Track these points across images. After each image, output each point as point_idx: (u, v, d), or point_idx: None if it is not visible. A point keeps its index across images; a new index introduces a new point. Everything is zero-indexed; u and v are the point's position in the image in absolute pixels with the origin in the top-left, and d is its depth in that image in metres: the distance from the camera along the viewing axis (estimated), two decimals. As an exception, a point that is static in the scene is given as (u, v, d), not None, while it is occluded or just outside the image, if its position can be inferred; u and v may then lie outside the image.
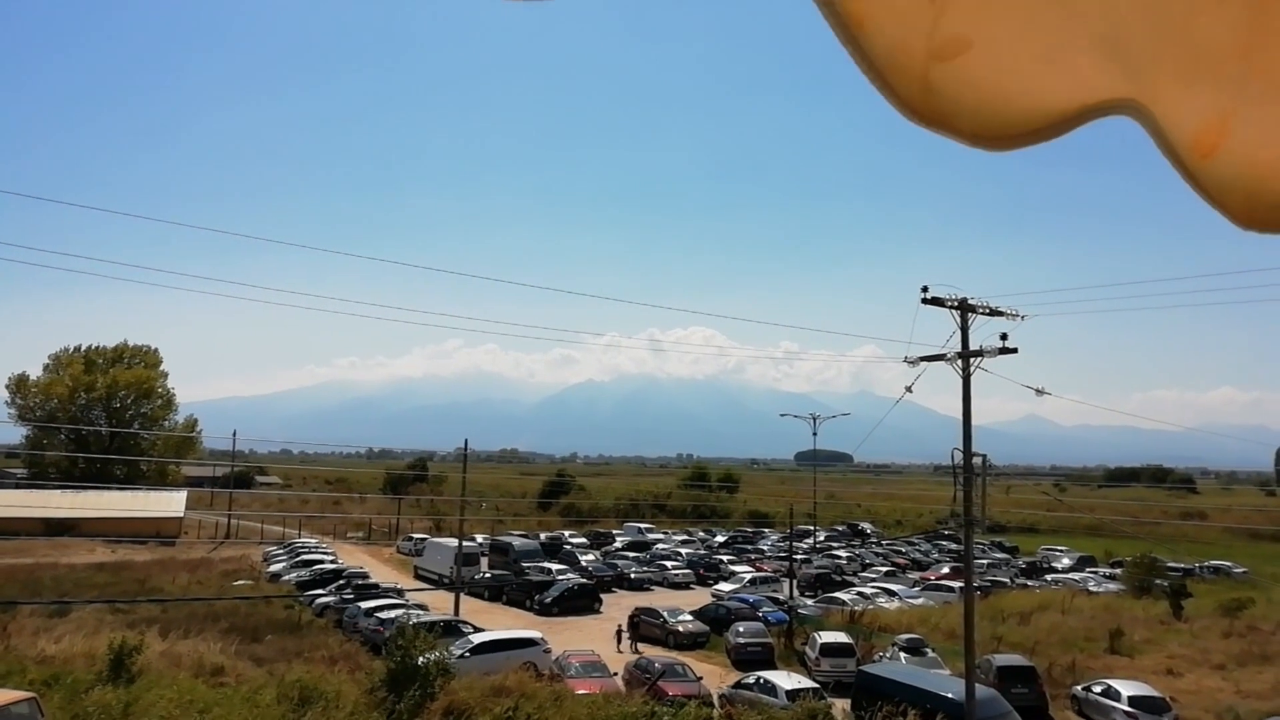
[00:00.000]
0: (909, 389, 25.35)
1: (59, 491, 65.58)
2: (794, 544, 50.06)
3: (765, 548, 70.67)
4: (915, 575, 57.95)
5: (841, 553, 67.08)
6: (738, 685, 27.96)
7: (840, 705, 25.89)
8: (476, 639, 31.09)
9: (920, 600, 46.77)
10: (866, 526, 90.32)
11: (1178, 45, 0.82)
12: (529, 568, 51.17)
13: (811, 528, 75.10)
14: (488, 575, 50.40)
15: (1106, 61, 0.82)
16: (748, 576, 51.46)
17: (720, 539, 76.67)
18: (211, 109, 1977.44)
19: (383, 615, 34.69)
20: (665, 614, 38.08)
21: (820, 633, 34.03)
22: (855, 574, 58.04)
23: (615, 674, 28.94)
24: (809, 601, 44.88)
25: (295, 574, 49.06)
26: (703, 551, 66.31)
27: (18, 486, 73.74)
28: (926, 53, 0.81)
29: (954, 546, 70.06)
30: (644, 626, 38.06)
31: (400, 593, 41.88)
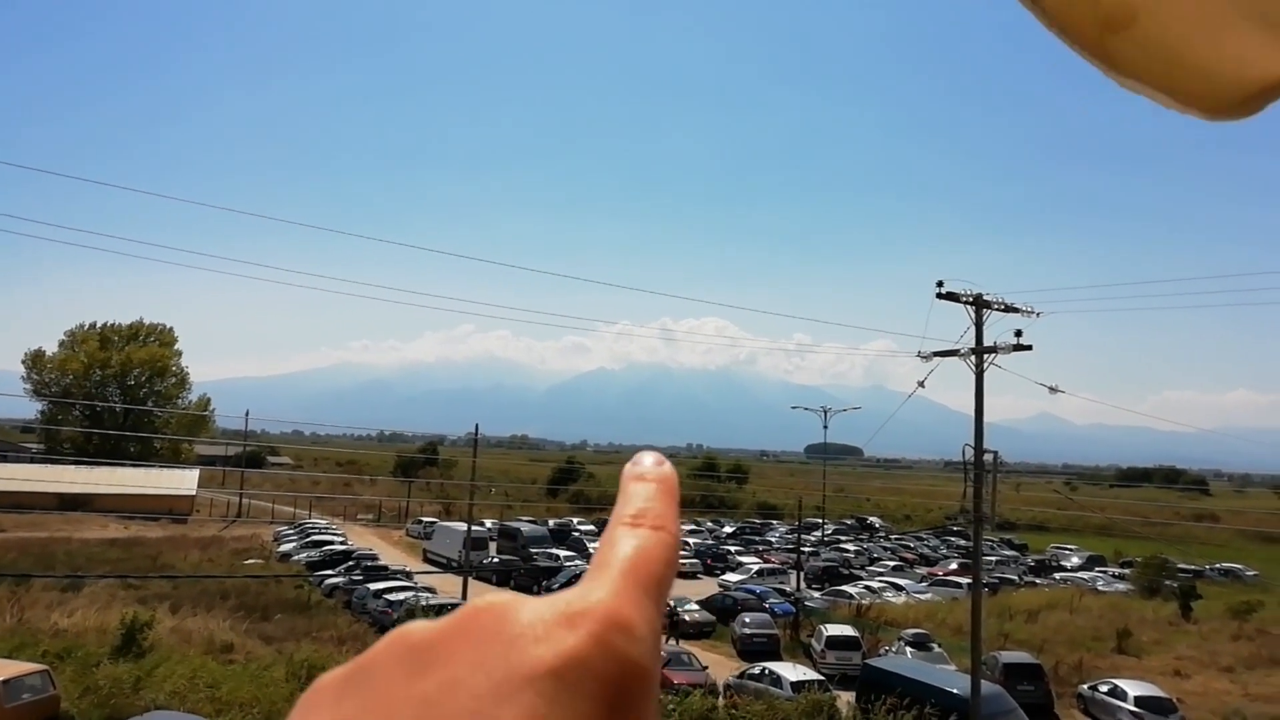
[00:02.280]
0: (921, 384, 25.27)
1: (73, 467, 66.11)
2: (802, 536, 50.04)
3: (773, 539, 70.71)
4: (923, 570, 57.87)
5: (850, 546, 67.02)
6: (743, 675, 28.01)
7: (845, 698, 25.91)
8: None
9: (927, 595, 46.72)
10: (875, 520, 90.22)
11: None
12: (537, 553, 51.38)
13: (820, 520, 75.05)
14: (496, 560, 50.64)
15: (1267, 40, 0.77)
16: (755, 568, 51.50)
17: (728, 530, 76.74)
18: (228, 88, 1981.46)
19: (391, 597, 34.92)
20: (672, 603, 38.18)
21: (826, 625, 34.07)
22: (863, 568, 57.98)
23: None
24: (816, 594, 44.90)
25: (305, 554, 49.43)
26: (710, 542, 66.34)
27: (32, 461, 74.44)
28: (1097, 22, 0.78)
29: (963, 543, 69.84)
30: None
31: (409, 575, 42.14)
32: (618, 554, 0.58)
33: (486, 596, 0.58)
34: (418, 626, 0.59)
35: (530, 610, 0.58)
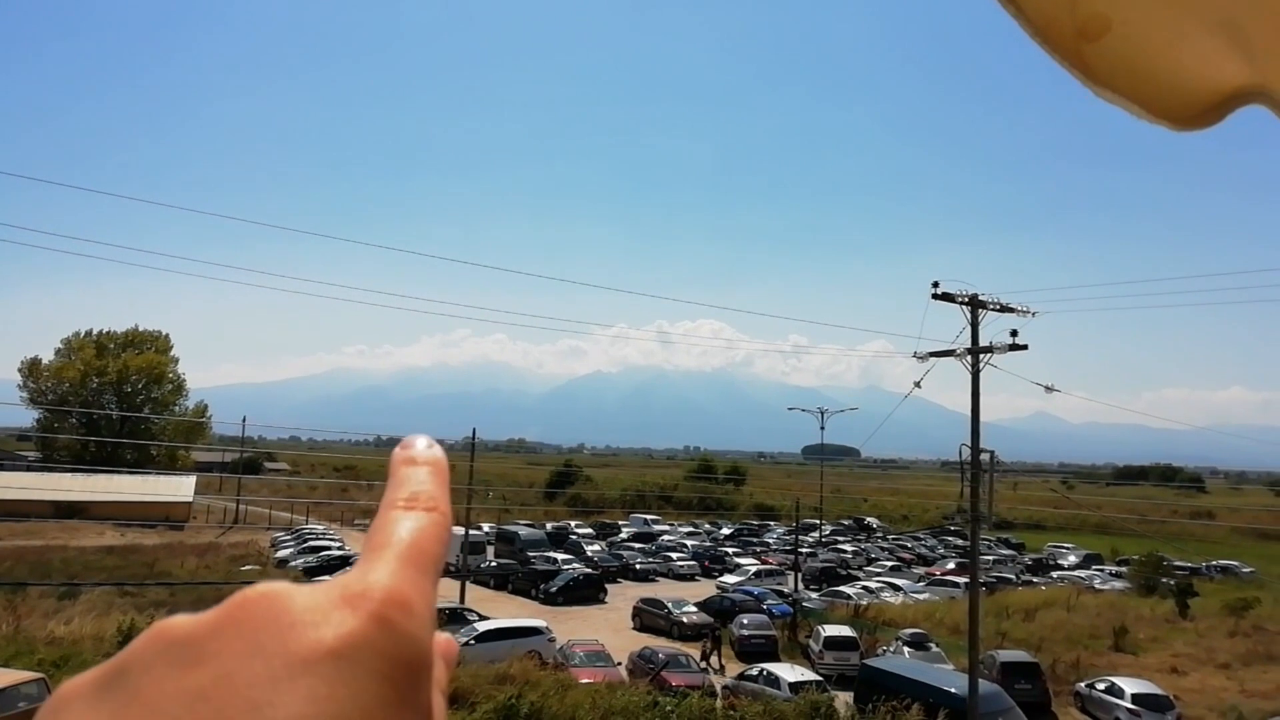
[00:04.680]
0: (918, 384, 25.34)
1: (69, 474, 65.95)
2: (799, 537, 50.11)
3: (770, 541, 70.74)
4: (920, 570, 57.91)
5: (847, 547, 67.06)
6: (741, 677, 28.03)
7: (843, 698, 25.93)
8: (481, 627, 31.26)
9: (925, 595, 46.76)
10: (872, 521, 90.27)
11: None
12: (535, 557, 51.35)
13: (817, 521, 75.10)
14: (493, 564, 50.61)
15: (1229, 48, 0.80)
16: (753, 569, 51.55)
17: (726, 531, 76.77)
18: (220, 93, 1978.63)
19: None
20: (670, 605, 38.19)
21: (824, 626, 34.08)
22: (860, 568, 58.04)
23: (619, 664, 29.05)
24: (813, 595, 44.92)
25: (302, 560, 49.36)
26: (708, 544, 66.40)
27: (29, 469, 74.25)
28: (1074, 30, 0.80)
29: (960, 542, 69.94)
30: (648, 617, 38.18)
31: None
32: (392, 536, 0.57)
33: (257, 585, 0.56)
34: (179, 620, 0.55)
35: (305, 595, 0.57)
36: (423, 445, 0.59)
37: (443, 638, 0.57)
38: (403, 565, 0.57)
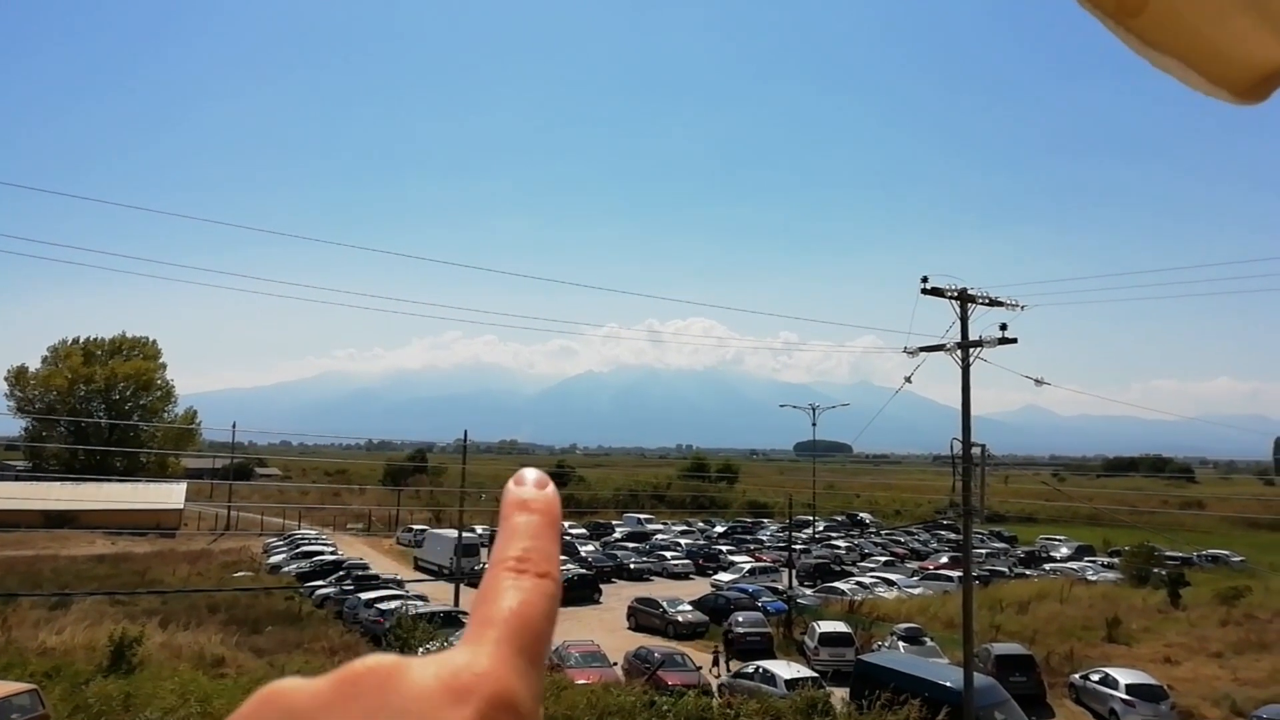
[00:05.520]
0: (908, 379, 25.42)
1: (58, 483, 65.55)
2: (793, 534, 50.16)
3: (764, 538, 70.83)
4: (914, 565, 58.03)
5: (840, 543, 67.20)
6: (737, 675, 28.04)
7: (839, 694, 25.95)
8: (476, 629, 31.10)
9: (919, 590, 46.89)
10: (865, 516, 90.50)
11: None
12: (529, 558, 51.28)
13: (810, 518, 75.21)
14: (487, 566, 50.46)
15: (1261, 27, 0.80)
16: (747, 566, 51.58)
17: (719, 529, 76.79)
18: (206, 98, 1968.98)
19: (383, 606, 34.79)
20: (665, 604, 38.18)
21: (819, 622, 34.13)
22: (854, 564, 58.15)
23: (615, 664, 29.03)
24: (808, 591, 44.99)
25: (295, 565, 49.21)
26: (702, 542, 66.41)
27: (17, 479, 73.75)
28: (1114, 3, 0.80)
29: (953, 536, 70.15)
30: (643, 616, 38.16)
31: (400, 584, 42.01)
32: (502, 610, 0.57)
33: (367, 658, 0.57)
34: (291, 686, 0.56)
35: (415, 678, 0.57)
36: (533, 483, 0.56)
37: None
38: (512, 651, 0.56)
